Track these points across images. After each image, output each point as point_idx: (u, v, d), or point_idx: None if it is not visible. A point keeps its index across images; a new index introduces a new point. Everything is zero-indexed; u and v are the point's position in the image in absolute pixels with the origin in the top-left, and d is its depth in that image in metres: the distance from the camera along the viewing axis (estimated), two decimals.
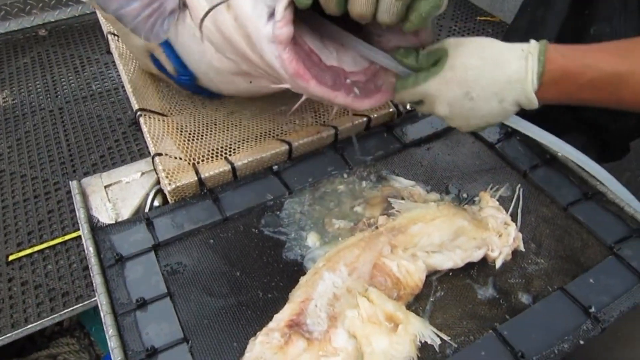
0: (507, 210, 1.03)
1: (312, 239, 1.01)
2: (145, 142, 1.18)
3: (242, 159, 1.13)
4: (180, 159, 1.13)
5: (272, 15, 0.78)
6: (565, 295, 0.91)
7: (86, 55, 2.42)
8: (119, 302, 0.90)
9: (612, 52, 0.82)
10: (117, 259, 0.96)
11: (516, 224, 1.01)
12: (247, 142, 1.20)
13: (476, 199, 1.08)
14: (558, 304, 0.90)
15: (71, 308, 1.42)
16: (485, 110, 0.83)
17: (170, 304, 0.90)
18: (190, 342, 0.85)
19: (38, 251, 1.56)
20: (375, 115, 1.25)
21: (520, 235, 1.00)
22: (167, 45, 1.10)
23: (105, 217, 1.07)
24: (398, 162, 1.19)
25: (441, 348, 0.84)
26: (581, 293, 0.91)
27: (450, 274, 0.96)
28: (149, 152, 1.15)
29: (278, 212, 1.07)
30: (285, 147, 1.16)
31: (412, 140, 1.23)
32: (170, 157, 1.12)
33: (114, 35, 1.49)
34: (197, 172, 1.09)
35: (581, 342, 0.84)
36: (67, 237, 1.60)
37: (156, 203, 1.12)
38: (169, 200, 1.09)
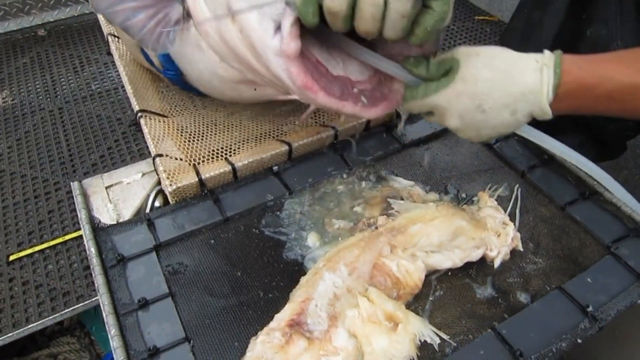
0: (505, 210, 1.04)
1: (312, 239, 1.02)
2: (145, 142, 1.19)
3: (243, 159, 1.14)
4: (181, 159, 1.13)
5: (278, 28, 0.78)
6: (563, 295, 0.92)
7: (85, 55, 2.42)
8: (121, 302, 0.91)
9: (628, 63, 0.81)
10: (118, 260, 0.97)
11: (514, 224, 1.02)
12: (247, 142, 1.20)
13: (475, 199, 1.09)
14: (556, 303, 0.91)
15: (72, 308, 1.43)
16: (497, 122, 0.82)
17: (172, 304, 0.91)
18: (192, 341, 0.86)
19: (39, 251, 1.56)
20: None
21: (518, 234, 1.00)
22: None
23: (106, 217, 1.07)
24: (397, 162, 1.20)
25: (440, 347, 0.85)
26: (579, 292, 0.92)
27: (449, 273, 0.96)
28: (149, 152, 1.16)
29: (278, 213, 1.08)
30: (285, 147, 1.17)
31: (411, 140, 1.23)
32: (170, 158, 1.13)
33: (114, 36, 1.50)
34: (197, 173, 1.09)
35: (579, 340, 0.85)
36: (67, 237, 1.60)
37: (157, 204, 1.13)
38: (170, 201, 1.09)
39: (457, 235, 0.96)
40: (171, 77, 1.25)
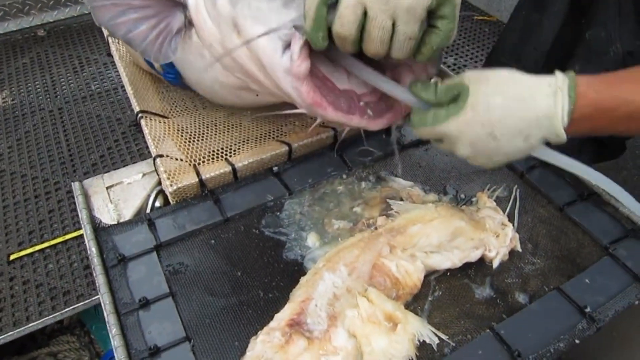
0: (504, 211, 1.05)
1: (312, 240, 1.02)
2: (144, 142, 1.19)
3: (243, 160, 1.14)
4: (181, 160, 1.14)
5: (287, 47, 0.79)
6: (561, 295, 0.92)
7: (85, 55, 2.43)
8: (122, 301, 0.91)
9: None
10: (119, 259, 0.97)
11: (513, 225, 1.02)
12: (247, 143, 1.21)
13: (474, 199, 1.09)
14: (554, 304, 0.91)
15: (72, 307, 1.43)
16: (509, 149, 0.80)
17: (173, 303, 0.91)
18: (192, 341, 0.86)
19: (39, 250, 1.57)
20: None
21: (517, 235, 1.01)
22: None
23: (107, 218, 1.08)
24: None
25: (439, 347, 0.85)
26: (577, 293, 0.92)
27: (448, 274, 0.97)
28: (149, 152, 1.16)
29: (278, 213, 1.08)
30: (285, 148, 1.17)
31: (410, 141, 1.24)
32: (171, 158, 1.13)
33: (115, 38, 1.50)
34: (198, 174, 1.10)
35: (577, 341, 0.85)
36: (67, 237, 1.60)
37: (157, 204, 1.13)
38: (171, 201, 1.10)
39: (456, 235, 0.96)
40: (171, 80, 1.26)
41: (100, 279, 0.93)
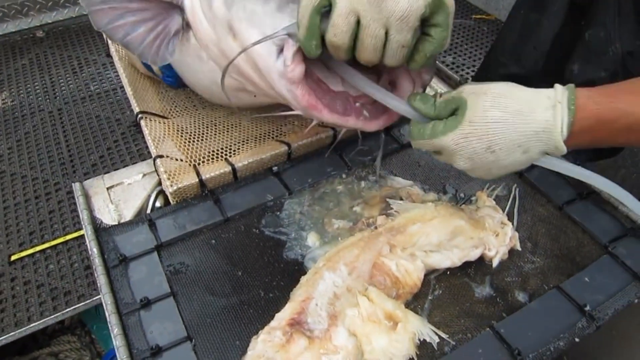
0: (503, 210, 1.05)
1: (312, 239, 1.03)
2: (144, 142, 1.20)
3: (242, 160, 1.15)
4: (181, 160, 1.14)
5: (281, 51, 0.80)
6: (560, 294, 0.93)
7: (84, 56, 2.42)
8: (124, 301, 0.92)
9: None
10: (120, 260, 0.97)
11: (512, 224, 1.03)
12: (247, 143, 1.21)
13: (473, 198, 1.10)
14: (554, 302, 0.92)
15: (73, 307, 1.43)
16: (508, 162, 0.80)
17: (174, 303, 0.92)
18: (193, 340, 0.87)
19: (40, 251, 1.57)
20: None
21: (516, 234, 1.01)
22: None
23: (108, 218, 1.08)
24: (396, 162, 1.20)
25: (439, 346, 0.85)
26: (576, 291, 0.92)
27: (448, 272, 0.97)
28: (149, 153, 1.17)
29: (278, 213, 1.09)
30: (284, 148, 1.18)
31: (409, 140, 1.24)
32: (171, 159, 1.13)
33: None
34: (198, 174, 1.10)
35: (576, 339, 0.86)
36: (68, 237, 1.60)
37: (158, 204, 1.14)
38: (171, 201, 1.10)
39: (455, 234, 0.97)
40: (170, 83, 1.26)
41: (101, 279, 0.94)
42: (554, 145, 0.78)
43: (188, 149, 1.17)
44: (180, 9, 0.99)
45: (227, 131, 1.25)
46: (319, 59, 0.80)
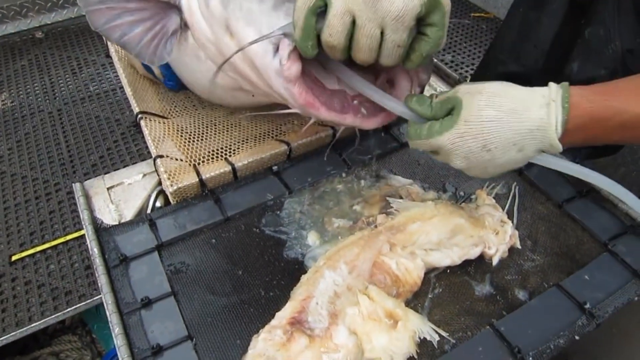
0: (503, 208, 1.05)
1: (312, 238, 1.03)
2: (144, 142, 1.20)
3: (242, 159, 1.15)
4: (181, 160, 1.14)
5: (277, 49, 0.80)
6: (560, 292, 0.93)
7: (83, 56, 2.43)
8: (124, 301, 0.92)
9: (638, 92, 0.80)
10: (121, 260, 0.97)
11: (512, 222, 1.03)
12: (247, 142, 1.21)
13: (473, 197, 1.10)
14: (554, 300, 0.92)
15: (74, 307, 1.44)
16: (504, 160, 0.80)
17: (175, 302, 0.92)
18: (194, 339, 0.87)
19: (40, 251, 1.57)
20: None
21: (516, 232, 1.01)
22: None
23: (108, 218, 1.08)
24: (396, 161, 1.21)
25: (440, 344, 0.86)
26: (576, 289, 0.93)
27: (448, 271, 0.97)
28: (148, 153, 1.17)
29: (278, 212, 1.09)
30: (284, 147, 1.18)
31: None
32: (171, 158, 1.14)
33: None
34: (198, 174, 1.10)
35: (576, 337, 0.86)
36: (68, 237, 1.61)
37: (158, 204, 1.14)
38: (171, 201, 1.10)
39: (455, 233, 0.97)
40: (171, 87, 1.26)
41: (102, 279, 0.94)
42: (548, 143, 0.78)
43: (188, 149, 1.17)
44: (178, 9, 0.99)
45: (227, 131, 1.25)
46: (315, 58, 0.80)
